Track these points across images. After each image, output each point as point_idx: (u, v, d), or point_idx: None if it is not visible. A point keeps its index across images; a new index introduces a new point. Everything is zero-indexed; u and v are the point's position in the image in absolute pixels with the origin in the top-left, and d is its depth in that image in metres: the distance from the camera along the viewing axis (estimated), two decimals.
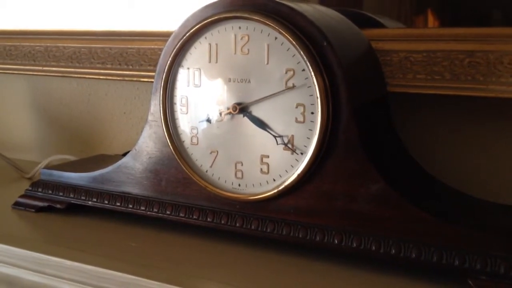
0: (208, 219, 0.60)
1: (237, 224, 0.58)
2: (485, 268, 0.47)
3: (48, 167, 0.74)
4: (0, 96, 1.01)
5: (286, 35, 0.52)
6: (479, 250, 0.47)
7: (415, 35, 0.63)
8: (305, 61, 0.52)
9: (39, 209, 0.70)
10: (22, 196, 0.72)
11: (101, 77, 0.83)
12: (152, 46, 0.77)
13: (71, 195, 0.68)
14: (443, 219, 0.49)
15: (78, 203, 0.68)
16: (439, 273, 0.49)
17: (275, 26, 0.53)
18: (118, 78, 0.81)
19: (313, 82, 0.52)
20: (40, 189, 0.71)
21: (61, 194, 0.69)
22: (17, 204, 0.71)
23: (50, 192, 0.70)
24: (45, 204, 0.70)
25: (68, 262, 0.55)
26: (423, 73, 0.60)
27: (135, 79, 0.79)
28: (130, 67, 0.80)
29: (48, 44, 0.87)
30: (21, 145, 0.98)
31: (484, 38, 0.58)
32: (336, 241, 0.53)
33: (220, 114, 0.58)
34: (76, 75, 0.86)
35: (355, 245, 0.52)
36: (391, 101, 0.61)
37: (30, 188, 0.72)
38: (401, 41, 0.62)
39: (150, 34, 0.78)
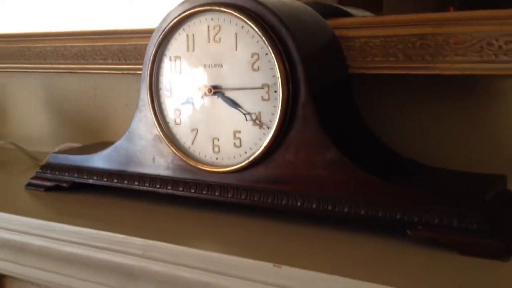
0: (192, 190, 0.67)
1: (216, 193, 0.65)
2: (421, 219, 0.53)
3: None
4: (15, 93, 1.11)
5: (251, 24, 0.60)
6: (416, 205, 0.54)
7: (375, 22, 0.69)
8: (267, 46, 0.59)
9: (47, 189, 0.78)
10: (33, 178, 0.81)
11: (104, 71, 0.92)
12: (147, 42, 0.85)
13: (75, 175, 0.77)
14: (387, 180, 0.56)
15: (81, 181, 0.76)
16: (384, 226, 0.56)
17: (241, 17, 0.60)
18: (118, 72, 0.90)
19: (275, 64, 0.59)
20: (48, 171, 0.79)
21: (66, 174, 0.78)
22: (29, 185, 0.80)
23: (57, 173, 0.79)
24: (53, 183, 0.78)
25: (70, 227, 0.64)
26: (380, 55, 0.67)
27: (132, 72, 0.88)
28: (128, 61, 0.88)
29: (57, 45, 0.97)
30: (35, 137, 1.08)
31: (435, 22, 0.65)
32: (298, 204, 0.60)
33: (199, 96, 0.66)
34: (82, 71, 0.95)
35: (314, 206, 0.59)
36: (353, 82, 0.68)
37: (40, 171, 0.80)
38: (363, 28, 0.69)
39: (145, 32, 0.86)
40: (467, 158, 0.68)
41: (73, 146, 0.93)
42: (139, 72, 0.87)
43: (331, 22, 0.69)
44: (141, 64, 0.86)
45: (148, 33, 0.85)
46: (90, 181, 0.75)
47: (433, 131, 0.70)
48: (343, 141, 0.60)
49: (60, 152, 0.85)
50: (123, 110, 0.96)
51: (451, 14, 0.65)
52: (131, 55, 0.88)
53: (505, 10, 0.61)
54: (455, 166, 0.64)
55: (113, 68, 0.90)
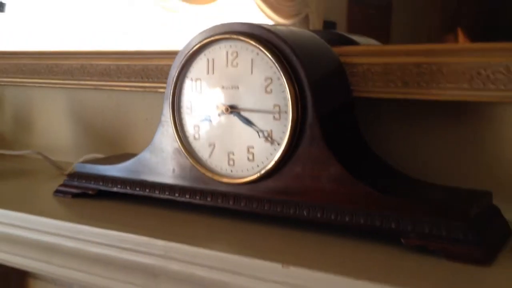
0: (208, 199, 0.74)
1: (230, 203, 0.72)
2: (414, 229, 0.60)
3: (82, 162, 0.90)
4: (42, 106, 1.19)
5: (265, 51, 0.67)
6: (410, 216, 0.61)
7: (376, 51, 0.77)
8: (279, 71, 0.66)
9: (75, 195, 0.85)
10: (61, 185, 0.88)
11: (126, 88, 0.99)
12: (168, 63, 0.92)
13: (100, 183, 0.84)
14: (384, 193, 0.63)
15: (106, 189, 0.83)
16: (381, 234, 0.62)
17: (256, 45, 0.67)
18: (141, 90, 0.98)
19: (286, 88, 0.66)
20: (75, 179, 0.87)
21: (92, 182, 0.85)
22: (57, 192, 0.87)
23: (83, 181, 0.86)
24: (80, 191, 0.85)
25: (97, 229, 0.71)
26: (380, 81, 0.74)
27: (154, 90, 0.96)
28: (151, 79, 0.96)
29: (83, 62, 1.05)
30: (60, 148, 1.15)
31: (429, 53, 0.72)
32: (304, 213, 0.67)
33: (217, 114, 0.73)
34: (106, 88, 1.03)
35: (319, 215, 0.66)
36: (356, 104, 0.75)
37: (68, 179, 0.88)
38: (365, 56, 0.76)
39: (166, 53, 0.94)
40: (457, 174, 0.75)
41: (97, 157, 1.00)
42: (160, 90, 0.95)
43: (336, 50, 0.76)
44: (162, 82, 0.95)
45: (169, 54, 0.94)
46: (115, 189, 0.82)
47: (427, 150, 0.77)
48: (346, 157, 0.66)
49: (85, 162, 0.92)
50: (143, 124, 1.04)
51: (445, 45, 0.72)
52: (153, 74, 0.95)
53: (493, 43, 0.68)
54: (446, 181, 0.71)
55: (136, 86, 0.98)
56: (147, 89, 0.97)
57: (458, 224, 0.59)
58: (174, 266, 0.65)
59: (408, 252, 0.60)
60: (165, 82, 0.92)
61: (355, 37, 0.84)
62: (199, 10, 1.01)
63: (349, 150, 0.70)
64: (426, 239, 0.60)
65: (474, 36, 0.74)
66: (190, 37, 0.73)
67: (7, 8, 1.25)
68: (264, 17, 0.94)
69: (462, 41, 0.75)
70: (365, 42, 0.84)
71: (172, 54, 0.90)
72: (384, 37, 0.83)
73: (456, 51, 0.70)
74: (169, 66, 0.89)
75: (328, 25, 0.90)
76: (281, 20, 0.95)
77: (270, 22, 0.92)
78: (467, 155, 0.75)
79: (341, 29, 0.87)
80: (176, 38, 0.97)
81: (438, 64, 0.71)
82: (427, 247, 0.59)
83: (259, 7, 0.95)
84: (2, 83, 1.19)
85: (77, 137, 1.14)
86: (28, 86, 1.17)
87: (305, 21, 0.92)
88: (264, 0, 0.93)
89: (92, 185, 0.85)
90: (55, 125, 1.18)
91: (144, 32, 1.03)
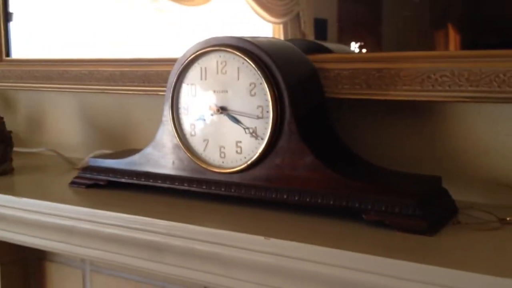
0: (203, 187, 0.87)
1: (222, 189, 0.85)
2: (373, 207, 0.73)
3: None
4: (54, 109, 1.32)
5: (248, 60, 0.80)
6: (370, 197, 0.73)
7: (344, 58, 0.89)
8: (261, 77, 0.79)
9: (88, 186, 0.98)
10: (76, 178, 1.00)
11: (129, 92, 1.12)
12: (167, 69, 1.05)
13: (110, 175, 0.96)
14: (350, 178, 0.75)
15: (115, 180, 0.96)
16: (347, 212, 0.75)
17: (241, 55, 0.80)
18: (142, 93, 1.10)
19: (267, 91, 0.79)
20: (88, 172, 0.99)
21: (103, 174, 0.97)
22: (72, 183, 1.00)
23: (95, 173, 0.98)
24: (92, 182, 0.98)
25: (109, 213, 0.83)
26: (348, 84, 0.87)
27: (154, 93, 1.08)
28: (152, 84, 1.08)
29: (91, 69, 1.17)
30: (71, 146, 1.28)
31: (389, 59, 0.85)
32: (284, 196, 0.79)
33: (210, 114, 0.86)
34: (112, 92, 1.15)
35: (296, 198, 0.79)
36: (328, 104, 0.88)
37: (82, 172, 1.00)
38: (335, 63, 0.89)
39: (164, 60, 1.06)
40: (412, 161, 0.88)
41: (105, 152, 1.13)
42: (161, 93, 1.07)
43: (311, 57, 0.89)
44: (161, 86, 1.07)
45: (167, 61, 1.06)
46: (123, 180, 0.95)
47: (387, 141, 0.90)
48: (319, 149, 0.79)
49: (95, 157, 1.04)
50: (145, 124, 1.17)
51: (402, 53, 0.84)
52: (153, 79, 1.08)
53: (440, 52, 0.81)
54: (403, 168, 0.84)
55: (139, 90, 1.10)
56: (148, 92, 1.10)
57: (408, 202, 0.71)
58: (176, 242, 0.78)
59: (368, 226, 0.73)
60: (164, 86, 1.05)
61: (328, 44, 0.97)
62: (193, 11, 1.11)
63: (322, 143, 0.83)
64: (383, 215, 0.72)
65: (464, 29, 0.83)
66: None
67: (15, 17, 1.38)
68: (256, 17, 1.03)
69: (452, 34, 0.84)
70: (337, 48, 0.96)
71: (169, 61, 1.03)
72: (375, 33, 0.93)
73: (411, 58, 0.83)
74: (168, 71, 1.01)
75: (319, 22, 1.00)
76: (272, 19, 1.05)
77: (262, 21, 1.02)
78: (421, 144, 0.88)
79: (332, 26, 0.96)
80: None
81: (395, 69, 0.84)
82: (384, 221, 0.72)
83: (251, 7, 1.05)
84: (18, 88, 1.31)
85: (85, 135, 1.27)
86: (41, 91, 1.29)
87: (296, 19, 1.02)
88: (256, 0, 1.02)
89: (103, 177, 0.97)
90: (65, 125, 1.30)
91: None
